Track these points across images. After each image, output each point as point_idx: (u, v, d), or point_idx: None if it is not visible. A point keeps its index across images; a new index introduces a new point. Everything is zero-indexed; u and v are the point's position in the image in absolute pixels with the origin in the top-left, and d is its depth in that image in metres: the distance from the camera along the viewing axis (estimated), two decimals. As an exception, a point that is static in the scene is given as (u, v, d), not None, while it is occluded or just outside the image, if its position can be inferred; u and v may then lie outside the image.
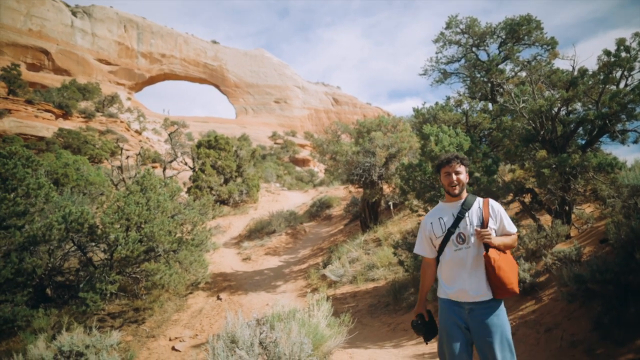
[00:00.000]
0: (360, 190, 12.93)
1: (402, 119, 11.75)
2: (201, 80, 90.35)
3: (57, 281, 9.92)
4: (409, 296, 7.56)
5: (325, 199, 19.76)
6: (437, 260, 2.90)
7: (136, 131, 59.50)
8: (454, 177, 2.81)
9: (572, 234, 6.13)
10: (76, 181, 20.32)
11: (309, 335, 4.38)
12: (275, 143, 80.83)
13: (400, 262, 7.97)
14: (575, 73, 6.13)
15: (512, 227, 2.77)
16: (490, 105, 13.50)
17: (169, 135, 22.51)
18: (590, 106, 6.58)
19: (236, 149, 24.17)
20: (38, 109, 46.90)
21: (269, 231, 16.63)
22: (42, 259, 9.01)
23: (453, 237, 2.76)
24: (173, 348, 8.75)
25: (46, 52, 70.60)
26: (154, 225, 9.06)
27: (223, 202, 22.63)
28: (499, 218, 2.75)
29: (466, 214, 2.76)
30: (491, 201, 2.81)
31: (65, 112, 50.21)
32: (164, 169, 19.48)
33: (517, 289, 2.66)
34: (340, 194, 20.86)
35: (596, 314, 3.66)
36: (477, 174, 7.52)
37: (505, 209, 8.09)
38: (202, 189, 22.12)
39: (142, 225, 9.20)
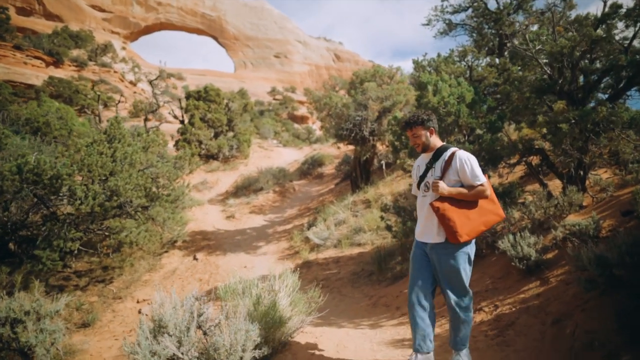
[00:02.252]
0: (353, 148, 12.02)
1: (399, 69, 10.61)
2: (199, 31, 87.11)
3: (21, 235, 9.14)
4: (395, 265, 6.81)
5: (318, 157, 18.84)
6: None
7: (131, 82, 57.60)
8: (414, 140, 3.10)
9: (585, 203, 5.26)
10: (59, 131, 19.29)
11: (264, 317, 3.60)
12: (274, 99, 79.02)
13: (388, 227, 7.16)
14: (607, 9, 5.08)
15: (476, 179, 2.87)
16: (497, 61, 12.34)
17: (150, 82, 21.24)
18: (616, 54, 5.54)
19: (227, 101, 22.98)
20: (27, 56, 45.07)
21: (256, 188, 15.83)
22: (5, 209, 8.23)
23: (422, 184, 3.10)
24: (139, 311, 8.11)
25: (37, -4, 67.42)
26: (119, 179, 8.20)
27: (212, 157, 21.72)
28: (462, 169, 2.88)
29: (434, 165, 3.02)
30: (458, 153, 2.95)
31: (56, 60, 48.30)
32: (145, 120, 18.39)
33: (465, 237, 2.82)
34: (334, 151, 19.92)
35: (623, 308, 2.82)
36: (479, 131, 6.58)
37: (510, 172, 7.25)
38: (190, 143, 21.14)
39: (108, 179, 8.34)
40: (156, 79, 22.23)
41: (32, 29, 62.53)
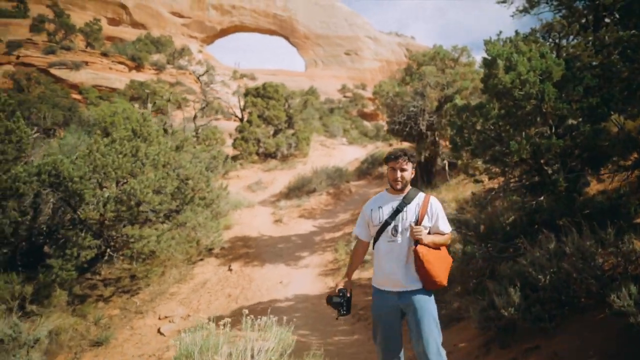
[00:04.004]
0: (410, 144, 10.36)
1: (465, 50, 8.68)
2: (271, 32, 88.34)
3: (58, 237, 8.66)
4: (451, 299, 5.19)
5: (379, 155, 17.25)
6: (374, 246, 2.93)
7: (205, 83, 59.52)
8: (399, 174, 2.82)
9: None
10: (123, 131, 19.56)
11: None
12: (344, 96, 77.95)
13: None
14: None
15: (445, 227, 2.85)
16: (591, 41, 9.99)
17: (198, 78, 20.89)
18: None
19: (286, 97, 22.12)
20: (112, 61, 48.11)
21: (309, 190, 14.66)
22: (26, 213, 7.78)
23: (389, 228, 2.85)
24: (159, 330, 7.23)
25: (124, 7, 72.12)
26: (136, 182, 7.37)
27: (270, 156, 20.96)
28: (435, 217, 2.81)
29: (405, 208, 2.84)
30: (432, 199, 2.86)
31: (137, 65, 51.03)
32: (194, 118, 17.99)
33: (444, 283, 2.76)
34: (398, 150, 18.21)
35: None
36: (572, 120, 4.78)
37: (625, 179, 5.23)
38: (248, 141, 20.55)
39: (127, 181, 7.57)
40: (204, 74, 21.89)
41: (120, 37, 66.92)
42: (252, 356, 2.88)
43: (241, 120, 22.15)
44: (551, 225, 4.26)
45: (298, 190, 14.97)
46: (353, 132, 45.75)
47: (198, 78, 21.49)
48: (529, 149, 4.47)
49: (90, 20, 54.26)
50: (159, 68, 53.30)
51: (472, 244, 5.19)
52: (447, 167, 9.46)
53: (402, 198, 2.83)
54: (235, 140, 20.74)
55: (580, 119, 4.66)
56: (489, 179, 5.87)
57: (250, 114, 21.18)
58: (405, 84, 8.51)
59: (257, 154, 20.89)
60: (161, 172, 8.04)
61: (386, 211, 2.84)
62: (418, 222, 2.77)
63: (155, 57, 56.90)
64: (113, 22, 71.00)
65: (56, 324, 6.04)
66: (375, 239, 2.88)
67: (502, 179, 5.42)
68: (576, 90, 4.59)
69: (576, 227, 3.63)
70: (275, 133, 21.74)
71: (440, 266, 2.72)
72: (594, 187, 5.56)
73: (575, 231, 3.42)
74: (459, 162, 5.91)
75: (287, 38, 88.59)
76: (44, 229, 8.55)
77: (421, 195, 2.86)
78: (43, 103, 23.10)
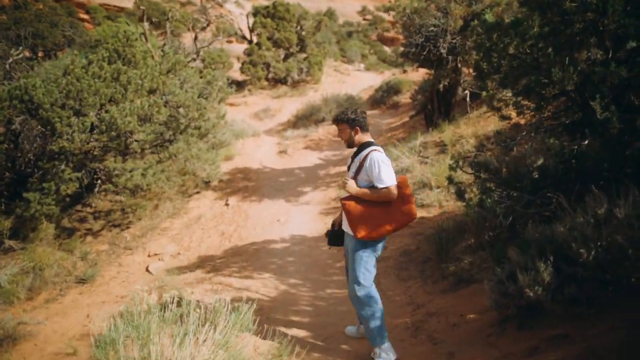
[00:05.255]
0: (427, 71, 9.14)
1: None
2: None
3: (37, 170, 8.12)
4: (462, 255, 4.50)
5: (395, 83, 15.94)
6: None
7: (217, 3, 56.33)
8: (340, 135, 3.33)
9: None
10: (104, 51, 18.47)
11: None
12: (364, 19, 73.48)
13: (459, 193, 4.75)
14: None
15: (379, 182, 2.99)
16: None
17: None
18: None
19: (299, 18, 20.40)
20: (120, -23, 45.39)
21: (317, 119, 13.74)
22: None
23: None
24: (147, 269, 6.84)
25: None
26: (120, 110, 6.60)
27: (280, 81, 19.78)
28: (370, 171, 3.02)
29: (351, 163, 3.27)
30: (372, 155, 3.05)
31: (145, -19, 48.05)
32: (195, 39, 16.67)
33: (357, 235, 3.00)
34: (416, 76, 16.80)
35: None
36: (633, 43, 3.72)
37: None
38: (256, 65, 19.33)
39: (107, 108, 6.78)
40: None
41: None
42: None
43: (250, 42, 20.69)
44: (593, 178, 3.41)
45: (306, 119, 14.06)
46: (371, 58, 43.43)
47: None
48: (575, 78, 3.50)
49: None
50: (169, -14, 50.32)
51: (491, 192, 4.39)
52: (468, 98, 8.39)
53: (353, 153, 3.26)
54: (243, 64, 19.51)
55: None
56: (517, 114, 4.91)
57: (259, 35, 19.71)
58: (423, -1, 7.22)
59: (266, 79, 19.75)
60: (146, 99, 7.22)
61: (349, 164, 3.30)
62: (355, 176, 3.11)
63: (166, -28, 53.57)
64: None
65: (14, 271, 5.58)
66: None
67: (534, 116, 4.49)
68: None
69: (633, 181, 2.80)
70: (286, 57, 20.36)
71: (360, 219, 2.98)
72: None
73: (636, 189, 2.60)
74: (484, 93, 4.92)
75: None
76: (31, 158, 8.00)
77: (366, 151, 3.10)
78: (41, 22, 21.79)
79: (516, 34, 4.18)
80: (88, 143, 6.53)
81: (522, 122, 5.57)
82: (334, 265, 5.39)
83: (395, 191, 2.99)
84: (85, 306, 5.82)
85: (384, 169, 2.99)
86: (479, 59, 4.72)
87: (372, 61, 41.83)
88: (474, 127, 7.83)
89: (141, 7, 13.98)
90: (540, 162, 4.46)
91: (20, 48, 11.81)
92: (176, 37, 30.57)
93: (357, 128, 3.19)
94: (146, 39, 12.83)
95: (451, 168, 4.96)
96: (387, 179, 2.97)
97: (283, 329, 3.74)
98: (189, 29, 34.88)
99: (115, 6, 41.88)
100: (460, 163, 4.97)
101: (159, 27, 33.98)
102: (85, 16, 37.02)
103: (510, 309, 2.82)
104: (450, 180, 4.92)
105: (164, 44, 14.16)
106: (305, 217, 7.68)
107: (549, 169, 4.02)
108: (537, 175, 4.17)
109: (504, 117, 4.90)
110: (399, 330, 3.56)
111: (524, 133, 4.52)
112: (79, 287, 6.44)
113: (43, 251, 6.80)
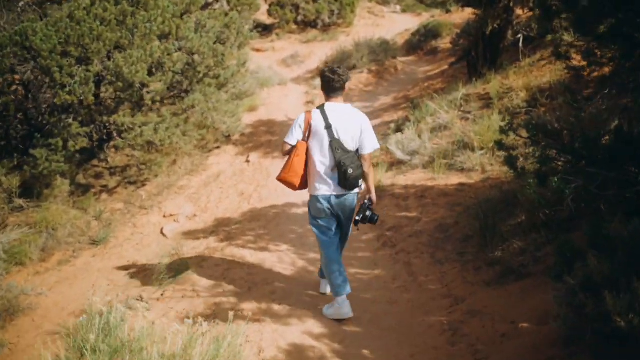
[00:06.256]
0: (472, 11, 7.93)
1: None
2: None
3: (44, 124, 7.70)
4: (512, 234, 3.77)
5: (433, 25, 14.47)
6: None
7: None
8: None
9: None
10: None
11: None
12: (402, -46, 68.36)
13: (510, 160, 3.93)
14: None
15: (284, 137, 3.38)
16: None
17: None
18: None
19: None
20: None
21: (348, 66, 12.69)
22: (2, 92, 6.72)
23: None
24: (161, 231, 6.47)
25: None
26: (126, 57, 5.97)
27: (310, 25, 18.51)
28: None
29: None
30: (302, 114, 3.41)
31: None
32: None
33: (292, 187, 3.32)
34: (457, 19, 15.22)
35: None
36: None
37: None
38: (284, 7, 18.07)
39: (113, 56, 6.15)
40: None
41: None
42: None
43: (277, -19, 19.26)
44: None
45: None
46: (410, -1, 40.64)
47: None
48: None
49: None
50: None
51: (552, 161, 3.59)
52: (520, 43, 7.24)
53: None
54: (270, 6, 18.28)
55: None
56: (589, 65, 3.95)
57: (286, -27, 18.25)
58: None
59: (295, 22, 18.50)
60: (157, 45, 6.53)
61: None
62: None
63: None
64: None
65: (11, 237, 5.25)
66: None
67: (616, 67, 3.55)
68: None
69: None
70: (316, -3, 18.90)
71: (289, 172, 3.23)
72: None
73: None
74: (549, 36, 3.98)
75: None
76: (45, 109, 7.57)
77: None
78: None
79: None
80: (96, 97, 5.98)
81: (585, 74, 4.56)
82: (359, 237, 4.78)
83: (283, 147, 3.30)
84: (96, 271, 5.52)
85: (293, 128, 3.26)
86: (546, -6, 3.74)
87: (409, 2, 39.02)
88: (526, 77, 6.76)
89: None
90: (615, 123, 3.59)
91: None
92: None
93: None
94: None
95: (502, 131, 4.13)
96: (290, 137, 3.23)
97: (295, 322, 3.23)
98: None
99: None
100: (514, 125, 4.12)
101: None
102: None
103: (585, 331, 2.15)
104: (500, 145, 4.10)
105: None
106: (330, 179, 7.03)
107: (633, 136, 3.16)
108: (615, 143, 3.31)
109: (573, 69, 3.96)
110: (432, 332, 2.96)
111: (605, 91, 3.60)
112: (92, 249, 6.17)
113: (57, 209, 6.52)
